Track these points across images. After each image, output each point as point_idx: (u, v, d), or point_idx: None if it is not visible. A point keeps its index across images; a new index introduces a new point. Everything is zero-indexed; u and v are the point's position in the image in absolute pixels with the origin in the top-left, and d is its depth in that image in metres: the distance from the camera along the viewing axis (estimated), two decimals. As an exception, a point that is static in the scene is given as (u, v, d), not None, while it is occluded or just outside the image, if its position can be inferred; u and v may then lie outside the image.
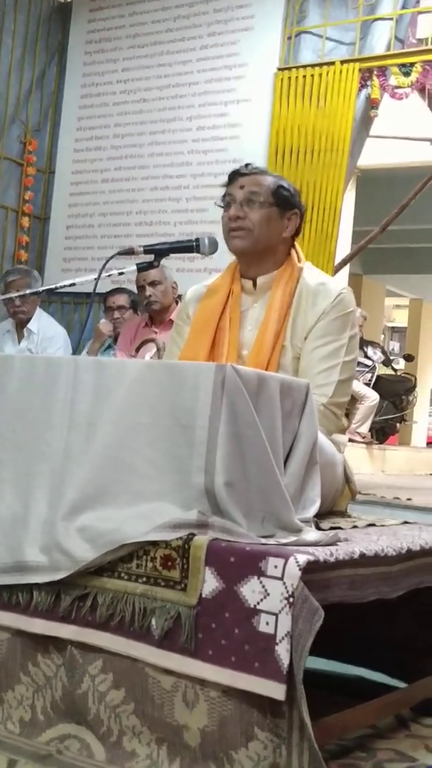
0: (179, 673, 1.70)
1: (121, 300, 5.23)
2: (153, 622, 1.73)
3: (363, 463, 9.44)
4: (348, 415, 10.65)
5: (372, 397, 10.06)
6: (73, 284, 2.64)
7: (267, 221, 2.46)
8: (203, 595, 1.68)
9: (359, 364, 10.60)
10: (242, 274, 2.55)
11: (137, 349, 4.23)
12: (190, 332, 2.57)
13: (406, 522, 2.48)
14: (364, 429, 9.98)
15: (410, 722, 2.23)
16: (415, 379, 12.00)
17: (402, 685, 2.32)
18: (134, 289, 4.98)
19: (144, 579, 1.76)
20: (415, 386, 11.62)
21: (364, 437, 9.96)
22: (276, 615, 1.59)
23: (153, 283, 4.49)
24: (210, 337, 2.50)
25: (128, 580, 1.78)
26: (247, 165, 2.54)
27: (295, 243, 2.58)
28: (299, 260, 2.54)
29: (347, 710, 1.92)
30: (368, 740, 2.08)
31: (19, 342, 5.46)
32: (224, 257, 2.64)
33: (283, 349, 2.44)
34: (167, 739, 1.73)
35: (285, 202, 2.48)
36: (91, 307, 5.38)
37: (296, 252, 2.56)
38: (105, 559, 1.78)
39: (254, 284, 2.52)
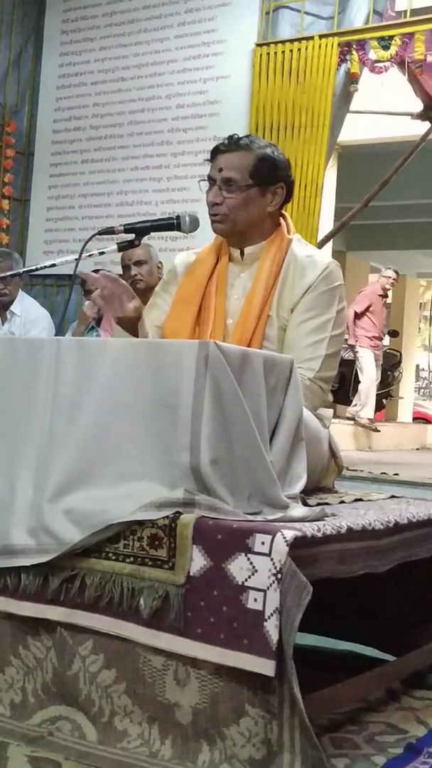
0: (169, 651, 1.70)
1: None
2: (141, 601, 1.73)
3: (350, 439, 9.46)
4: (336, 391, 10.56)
5: (369, 374, 9.60)
6: (53, 265, 2.61)
7: (245, 204, 2.42)
8: (191, 574, 1.68)
9: (345, 341, 10.61)
10: (230, 245, 2.53)
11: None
12: (175, 300, 2.54)
13: (393, 496, 2.48)
14: (369, 412, 9.52)
15: (401, 695, 2.24)
16: (400, 354, 12.04)
17: (392, 658, 2.33)
18: (117, 269, 4.95)
19: (131, 559, 1.75)
20: (400, 362, 11.68)
21: (371, 422, 9.54)
22: (264, 591, 1.59)
23: (138, 263, 4.47)
24: (196, 306, 2.48)
25: (116, 560, 1.77)
26: (230, 138, 2.46)
27: (285, 213, 2.55)
28: (289, 231, 2.51)
29: (338, 684, 1.93)
30: (359, 713, 2.09)
31: (2, 324, 5.44)
32: (207, 236, 2.62)
33: (268, 319, 2.42)
34: (159, 717, 1.73)
35: (266, 179, 2.42)
36: (72, 289, 5.35)
37: (286, 222, 2.53)
38: (92, 540, 1.78)
39: (242, 254, 2.50)
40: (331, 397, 2.50)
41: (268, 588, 1.59)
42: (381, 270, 10.12)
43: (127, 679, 1.77)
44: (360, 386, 9.53)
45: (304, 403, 2.07)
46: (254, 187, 2.42)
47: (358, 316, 9.48)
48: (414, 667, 2.28)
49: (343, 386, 10.67)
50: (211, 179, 2.45)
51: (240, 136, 2.48)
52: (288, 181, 2.49)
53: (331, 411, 2.52)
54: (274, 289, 2.42)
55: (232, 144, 2.44)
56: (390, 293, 10.49)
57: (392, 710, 2.14)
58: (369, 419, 9.42)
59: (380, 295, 9.71)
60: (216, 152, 2.46)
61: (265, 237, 2.48)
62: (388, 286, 9.74)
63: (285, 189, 2.48)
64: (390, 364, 11.31)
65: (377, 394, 11.12)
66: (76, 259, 2.53)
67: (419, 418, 14.98)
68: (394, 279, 9.74)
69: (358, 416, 9.36)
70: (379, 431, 9.62)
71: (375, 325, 9.48)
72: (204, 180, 2.48)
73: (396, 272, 9.90)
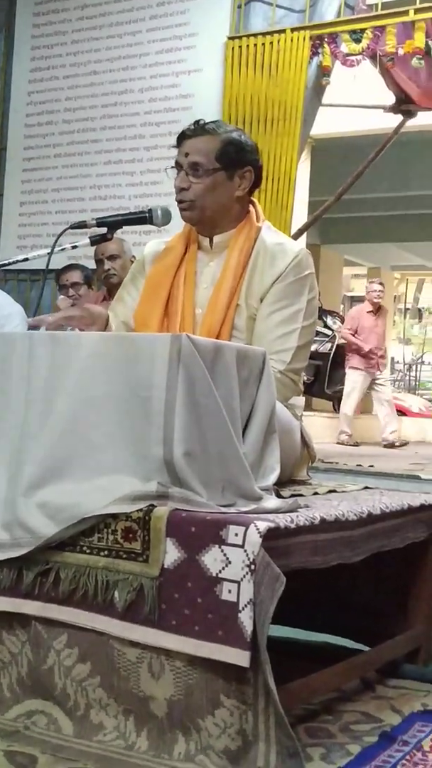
0: (144, 644, 1.71)
1: (75, 276, 5.18)
2: (116, 594, 1.73)
3: (326, 431, 9.50)
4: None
5: (350, 402, 9.34)
6: (26, 259, 2.61)
7: (212, 189, 2.39)
8: (165, 566, 1.68)
9: (319, 333, 10.58)
10: (199, 233, 2.52)
11: (95, 324, 4.21)
12: (144, 290, 2.51)
13: (366, 487, 2.49)
14: (393, 428, 9.28)
15: (375, 684, 2.26)
16: (375, 347, 12.07)
17: (366, 648, 2.34)
18: (90, 264, 4.94)
19: (106, 552, 1.76)
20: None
21: (400, 442, 9.31)
22: (238, 583, 1.60)
23: (112, 257, 4.48)
24: (164, 296, 2.46)
25: (90, 553, 1.77)
26: (196, 123, 2.45)
27: (254, 200, 2.52)
28: (258, 219, 2.49)
29: (312, 675, 1.94)
30: (334, 703, 2.10)
31: (-25, 321, 5.39)
32: (180, 228, 2.61)
33: (237, 308, 2.40)
34: (134, 710, 1.74)
35: (233, 162, 2.40)
36: (45, 283, 5.32)
37: (255, 210, 2.51)
38: (66, 534, 1.78)
39: (211, 243, 2.49)
40: (302, 387, 2.50)
41: (241, 579, 1.60)
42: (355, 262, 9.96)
43: (101, 672, 1.77)
44: (343, 411, 9.41)
45: (275, 395, 2.06)
46: (221, 170, 2.40)
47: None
48: (388, 657, 2.30)
49: (318, 379, 10.71)
50: (178, 165, 2.43)
51: (206, 121, 2.46)
52: (256, 164, 2.46)
53: (302, 400, 2.52)
54: (242, 278, 2.40)
55: (198, 129, 2.43)
56: (364, 287, 10.33)
57: (367, 699, 2.16)
58: (388, 439, 9.22)
59: (369, 312, 9.39)
60: (182, 137, 2.44)
61: (234, 224, 2.46)
62: (376, 300, 9.33)
63: (253, 173, 2.45)
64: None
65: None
66: (48, 254, 2.53)
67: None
68: (380, 291, 9.44)
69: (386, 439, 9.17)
70: (406, 444, 9.40)
71: (366, 343, 9.18)
72: (171, 167, 2.46)
73: (381, 284, 9.70)
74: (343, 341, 11.08)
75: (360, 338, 9.22)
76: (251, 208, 2.50)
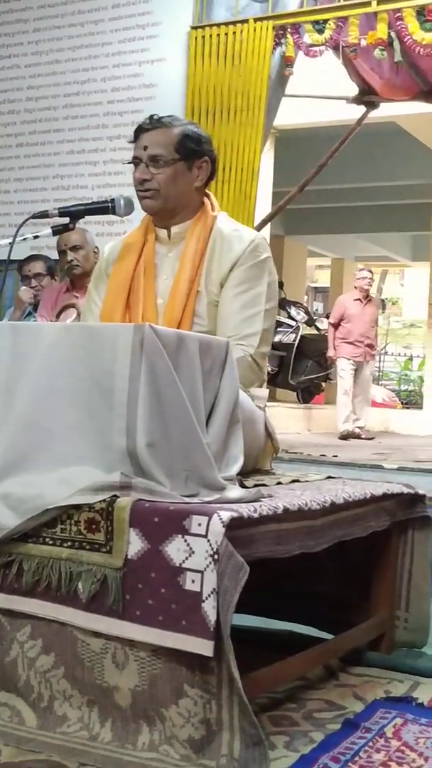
0: (108, 635, 1.71)
1: (37, 267, 5.15)
2: (80, 585, 1.73)
3: (289, 422, 9.52)
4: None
5: (343, 386, 8.99)
6: (-15, 250, 2.59)
7: (173, 179, 2.44)
8: (129, 557, 1.68)
9: (282, 324, 10.59)
10: (156, 225, 2.53)
11: (58, 315, 4.19)
12: (108, 288, 2.54)
13: (329, 477, 2.51)
14: (350, 421, 8.97)
15: (339, 672, 2.27)
16: (339, 337, 12.13)
17: (329, 637, 2.36)
18: (53, 254, 4.91)
19: (69, 543, 1.75)
20: (339, 345, 11.74)
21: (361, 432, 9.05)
22: (201, 572, 1.60)
23: (74, 248, 4.45)
24: (126, 290, 2.48)
25: (53, 545, 1.76)
26: (151, 117, 2.49)
27: (209, 192, 2.57)
28: (213, 209, 2.53)
29: (276, 663, 1.95)
30: (298, 691, 2.11)
31: None
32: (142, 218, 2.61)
33: (198, 294, 2.44)
34: (98, 701, 1.74)
35: (191, 153, 2.46)
36: (6, 274, 5.28)
37: (210, 201, 2.55)
38: (29, 525, 1.77)
39: (169, 234, 2.51)
40: (266, 374, 2.52)
41: (205, 569, 1.60)
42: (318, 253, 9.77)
43: (65, 663, 1.76)
44: (337, 400, 9.15)
45: (242, 380, 2.12)
46: (181, 161, 2.45)
47: (335, 327, 9.09)
48: (351, 645, 2.32)
49: (282, 370, 10.74)
50: (137, 159, 2.46)
51: (161, 115, 2.51)
52: (212, 156, 2.52)
53: (266, 392, 2.54)
54: (201, 265, 2.44)
55: (155, 122, 2.48)
56: (328, 278, 10.22)
57: (330, 687, 2.17)
58: (359, 428, 9.02)
59: (356, 299, 9.07)
60: (139, 132, 2.49)
61: (190, 215, 2.50)
62: (366, 287, 9.12)
63: (209, 164, 2.50)
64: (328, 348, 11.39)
65: (316, 378, 11.22)
66: (10, 244, 2.51)
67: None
68: (370, 279, 9.24)
69: (352, 430, 8.93)
70: (373, 438, 9.11)
71: (351, 331, 8.93)
72: (129, 162, 2.49)
73: (370, 271, 9.48)
74: (308, 332, 11.07)
75: (347, 326, 8.97)
76: (206, 199, 2.55)
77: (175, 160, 2.44)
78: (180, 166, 2.44)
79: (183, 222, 2.50)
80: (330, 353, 9.16)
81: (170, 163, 2.43)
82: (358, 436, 8.92)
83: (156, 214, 2.51)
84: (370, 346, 9.21)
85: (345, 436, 8.84)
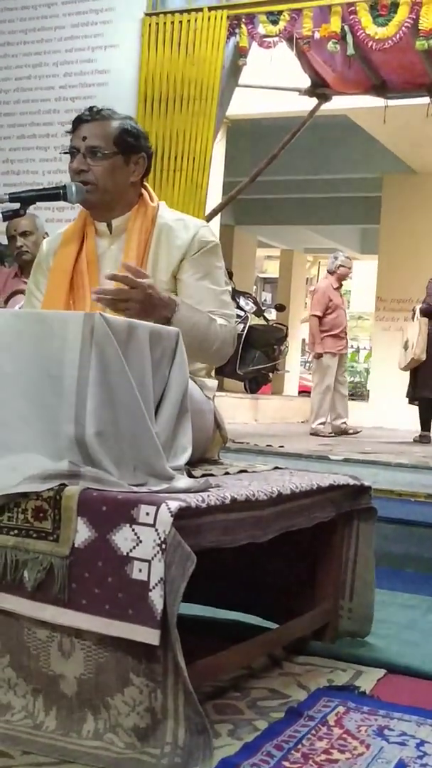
0: (54, 623, 1.70)
1: (-16, 252, 5.11)
2: (26, 574, 1.72)
3: (237, 412, 9.55)
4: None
5: (327, 383, 8.33)
6: None
7: (111, 172, 2.43)
8: (76, 545, 1.68)
9: (232, 314, 10.57)
10: (95, 219, 2.52)
11: (6, 301, 4.15)
12: (49, 283, 2.51)
13: (277, 467, 2.52)
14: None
15: (283, 661, 2.29)
16: (287, 328, 12.19)
17: (274, 626, 2.38)
18: (2, 240, 4.86)
19: (15, 531, 1.74)
20: (286, 336, 11.81)
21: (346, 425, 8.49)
22: (149, 562, 1.60)
23: (24, 234, 4.41)
24: (67, 285, 2.46)
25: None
26: (90, 109, 2.48)
27: (146, 184, 2.56)
28: (152, 200, 2.53)
29: (221, 652, 1.96)
30: (243, 680, 2.13)
31: None
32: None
33: None
34: (44, 689, 1.73)
35: (129, 148, 2.45)
36: None
37: (148, 192, 2.54)
38: (-25, 513, 1.76)
39: (110, 227, 2.50)
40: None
41: (152, 558, 1.60)
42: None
43: (11, 651, 1.76)
44: (314, 399, 8.46)
45: (225, 348, 2.32)
46: (119, 155, 2.44)
47: (320, 319, 8.35)
48: (296, 635, 2.34)
49: (230, 360, 10.74)
50: (74, 149, 2.45)
51: (99, 107, 2.50)
52: (149, 152, 2.52)
53: (215, 382, 2.55)
54: (146, 256, 2.44)
55: (95, 113, 2.47)
56: (277, 268, 9.88)
57: (274, 676, 2.19)
58: (344, 422, 8.51)
59: (336, 288, 8.48)
60: (78, 122, 2.48)
61: (129, 208, 2.49)
62: (349, 276, 8.55)
63: (146, 160, 2.50)
64: (276, 338, 11.45)
65: (263, 368, 11.26)
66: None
67: (305, 392, 15.22)
68: (351, 266, 8.73)
69: (337, 426, 8.45)
70: (360, 431, 8.69)
71: (336, 323, 8.32)
72: (66, 152, 2.47)
73: (348, 258, 8.78)
74: (256, 322, 11.03)
75: (331, 317, 8.35)
76: (143, 191, 2.54)
77: (113, 153, 2.43)
78: (118, 160, 2.44)
79: (123, 214, 2.48)
80: (318, 349, 8.37)
81: (108, 156, 2.42)
82: (345, 432, 8.46)
83: (93, 208, 2.49)
84: (346, 338, 8.64)
85: (338, 434, 8.39)
